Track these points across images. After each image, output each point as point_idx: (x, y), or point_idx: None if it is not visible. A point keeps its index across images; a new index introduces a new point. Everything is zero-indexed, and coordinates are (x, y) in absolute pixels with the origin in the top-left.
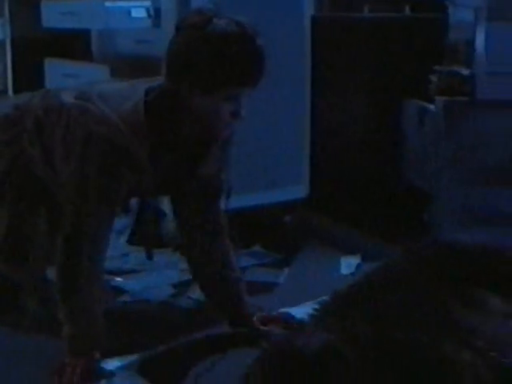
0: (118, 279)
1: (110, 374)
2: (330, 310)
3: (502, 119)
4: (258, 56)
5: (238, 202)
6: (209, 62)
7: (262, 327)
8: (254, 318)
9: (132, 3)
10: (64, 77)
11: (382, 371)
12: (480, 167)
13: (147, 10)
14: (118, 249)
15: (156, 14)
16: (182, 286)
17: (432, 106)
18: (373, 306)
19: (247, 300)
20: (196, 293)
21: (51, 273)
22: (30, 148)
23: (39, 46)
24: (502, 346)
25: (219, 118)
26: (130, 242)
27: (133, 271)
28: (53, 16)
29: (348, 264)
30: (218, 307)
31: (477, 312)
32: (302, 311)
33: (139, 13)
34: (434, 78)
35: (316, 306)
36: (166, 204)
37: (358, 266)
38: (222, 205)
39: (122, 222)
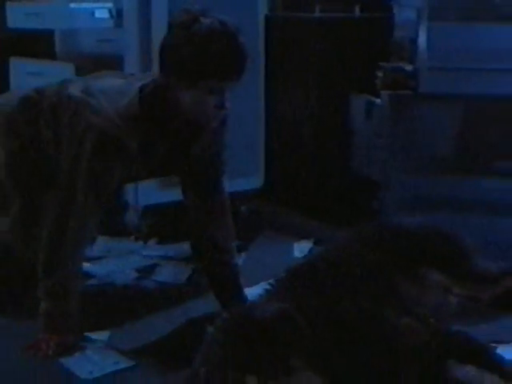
0: (86, 264)
1: (83, 347)
2: (284, 285)
3: (443, 111)
4: (239, 52)
5: None
6: (193, 57)
7: None
8: None
9: (95, 5)
10: (29, 75)
11: (329, 334)
12: (424, 156)
13: (110, 11)
14: None
15: (118, 15)
16: (145, 271)
17: (378, 100)
18: (322, 279)
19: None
20: (160, 276)
21: None
22: (45, 130)
23: (4, 46)
24: (440, 314)
25: (204, 110)
26: None
27: (99, 257)
28: (18, 17)
29: (301, 248)
30: (216, 290)
31: (419, 286)
32: (257, 291)
33: (102, 14)
34: (380, 73)
35: (272, 283)
36: (129, 194)
37: (311, 250)
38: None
39: None
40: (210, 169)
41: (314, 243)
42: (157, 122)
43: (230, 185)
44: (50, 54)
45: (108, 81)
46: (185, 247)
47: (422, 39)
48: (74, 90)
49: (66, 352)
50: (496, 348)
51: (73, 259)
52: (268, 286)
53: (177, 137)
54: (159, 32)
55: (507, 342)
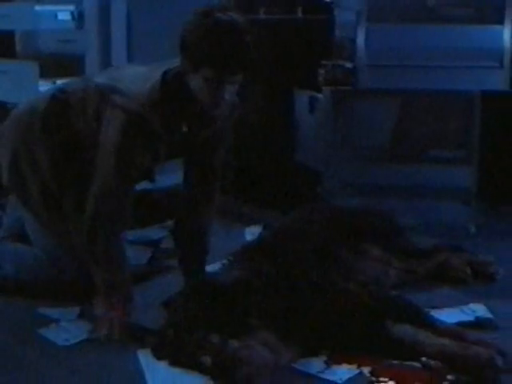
0: None
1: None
2: (240, 257)
3: (380, 105)
4: (239, 48)
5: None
6: (196, 44)
7: None
8: None
9: (58, 7)
10: None
11: (282, 297)
12: (362, 146)
13: (72, 14)
14: None
15: (80, 17)
16: None
17: (320, 95)
18: (274, 252)
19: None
20: None
21: None
22: (76, 123)
23: None
24: (379, 282)
25: (203, 96)
26: None
27: None
28: None
29: (252, 232)
30: (185, 266)
31: (361, 259)
32: (212, 268)
33: (65, 16)
34: (322, 70)
35: (229, 257)
36: None
37: (260, 234)
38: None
39: None
40: (213, 155)
41: (264, 228)
42: (175, 105)
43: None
44: (10, 53)
45: (132, 68)
46: (145, 233)
47: (360, 39)
48: (100, 78)
49: (128, 332)
50: (429, 312)
51: (111, 241)
52: (226, 261)
53: (191, 120)
54: (118, 34)
55: (440, 308)
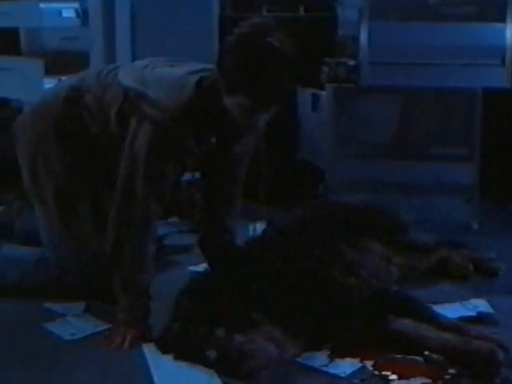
0: None
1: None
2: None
3: (383, 102)
4: (280, 81)
5: None
6: (235, 68)
7: None
8: None
9: (63, 5)
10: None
11: (285, 293)
12: (365, 143)
13: (76, 11)
14: None
15: (84, 15)
16: None
17: (323, 93)
18: (278, 247)
19: None
20: None
21: None
22: (91, 124)
23: None
24: (380, 277)
25: (236, 117)
26: None
27: None
28: None
29: (255, 229)
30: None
31: (363, 254)
32: None
33: (69, 13)
34: (325, 68)
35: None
36: None
37: (264, 230)
38: None
39: None
40: (238, 167)
41: (267, 224)
42: (207, 117)
43: (187, 176)
44: (15, 50)
45: (163, 72)
46: None
47: (363, 37)
48: (125, 79)
49: (138, 344)
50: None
51: (138, 253)
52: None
53: (221, 132)
54: (123, 30)
55: (441, 303)
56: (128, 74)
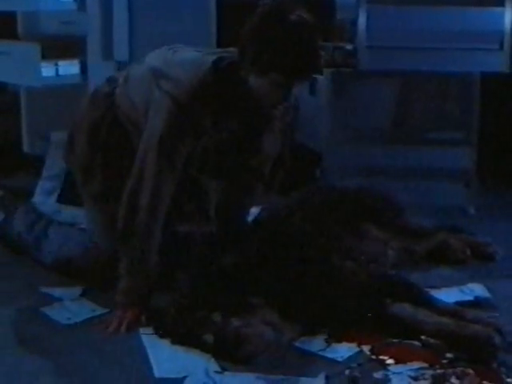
0: None
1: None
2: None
3: (381, 86)
4: (313, 54)
5: None
6: (266, 47)
7: None
8: None
9: None
10: None
11: (283, 276)
12: (363, 128)
13: None
14: (50, 206)
15: None
16: None
17: (321, 77)
18: (273, 232)
19: None
20: None
21: None
22: (118, 98)
23: None
24: (378, 261)
25: (265, 98)
26: (59, 201)
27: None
28: None
29: (250, 213)
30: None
31: (361, 239)
32: None
33: None
34: (322, 52)
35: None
36: None
37: (259, 214)
38: None
39: (51, 184)
40: (267, 166)
41: (262, 209)
42: (227, 98)
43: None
44: (12, 34)
45: (184, 54)
46: None
47: (361, 21)
48: (152, 60)
49: (135, 329)
50: (429, 291)
51: (147, 229)
52: None
53: (242, 117)
54: (120, 15)
55: (438, 288)
56: (154, 56)
